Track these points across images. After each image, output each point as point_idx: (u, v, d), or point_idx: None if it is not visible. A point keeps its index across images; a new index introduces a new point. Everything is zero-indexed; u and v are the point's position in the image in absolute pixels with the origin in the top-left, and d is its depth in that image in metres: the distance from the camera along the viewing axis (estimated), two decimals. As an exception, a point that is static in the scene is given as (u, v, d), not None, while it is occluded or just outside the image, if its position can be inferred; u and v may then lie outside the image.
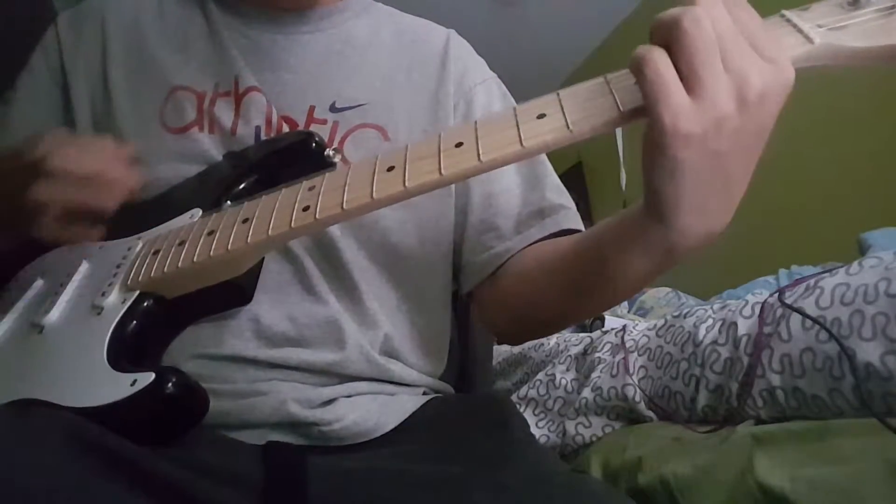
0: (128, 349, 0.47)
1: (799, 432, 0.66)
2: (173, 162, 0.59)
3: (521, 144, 0.39)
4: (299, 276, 0.57)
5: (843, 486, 0.58)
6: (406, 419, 0.57)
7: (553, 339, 1.22)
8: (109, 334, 0.47)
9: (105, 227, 0.55)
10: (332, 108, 0.63)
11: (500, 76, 0.75)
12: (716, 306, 0.92)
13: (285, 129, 0.61)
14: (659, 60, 0.36)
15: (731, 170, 0.38)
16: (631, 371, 0.96)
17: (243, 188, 0.56)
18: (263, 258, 0.54)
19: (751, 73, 0.35)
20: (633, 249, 0.45)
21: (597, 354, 1.05)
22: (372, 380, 0.58)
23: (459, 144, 0.41)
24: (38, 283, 0.56)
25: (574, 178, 3.23)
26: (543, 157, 0.68)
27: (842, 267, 0.77)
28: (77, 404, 0.42)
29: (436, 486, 0.43)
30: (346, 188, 0.44)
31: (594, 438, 0.98)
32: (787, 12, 0.39)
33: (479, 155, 0.40)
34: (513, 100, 0.74)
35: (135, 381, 0.42)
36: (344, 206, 0.43)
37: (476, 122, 0.42)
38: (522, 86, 0.98)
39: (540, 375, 1.13)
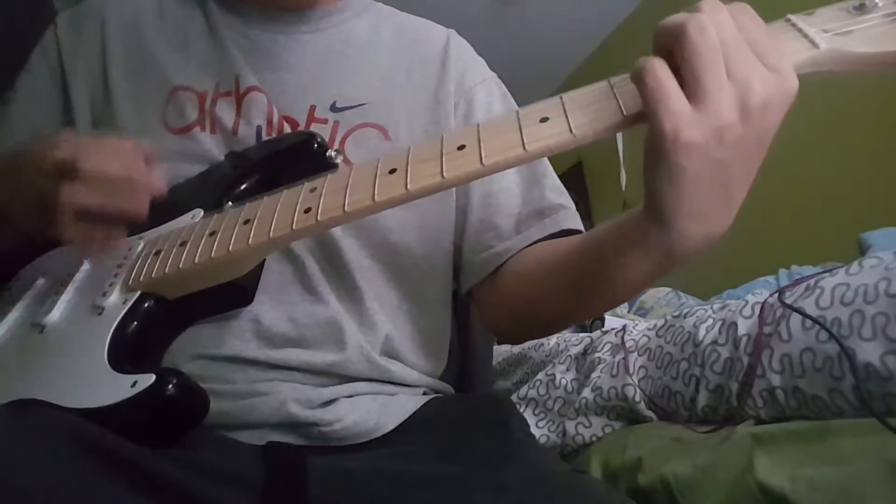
0: (128, 350, 0.47)
1: (799, 432, 0.66)
2: (175, 162, 0.59)
3: (524, 148, 0.39)
4: (300, 277, 0.57)
5: (843, 486, 0.58)
6: (406, 419, 0.57)
7: (553, 339, 1.22)
8: (110, 335, 0.47)
9: (127, 230, 0.53)
10: (333, 108, 0.63)
11: (500, 76, 0.75)
12: (716, 306, 0.92)
13: (286, 128, 0.61)
14: (659, 68, 0.36)
15: (732, 177, 0.38)
16: (631, 371, 0.97)
17: (245, 188, 0.56)
18: (265, 259, 0.54)
19: (754, 82, 0.35)
20: (633, 252, 0.45)
21: (597, 354, 1.05)
22: (372, 380, 0.58)
23: (462, 147, 0.41)
24: (40, 283, 0.56)
25: (574, 178, 3.23)
26: (544, 157, 0.68)
27: (842, 267, 0.77)
28: (77, 405, 0.42)
29: (436, 486, 0.44)
30: (348, 190, 0.44)
31: (594, 438, 0.98)
32: (792, 17, 0.39)
33: (481, 158, 0.40)
34: (513, 100, 0.74)
35: (135, 382, 0.42)
36: (346, 208, 0.43)
37: (478, 125, 0.42)
38: (522, 86, 0.98)
39: (540, 375, 1.13)
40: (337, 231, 0.59)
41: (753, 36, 0.36)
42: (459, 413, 0.60)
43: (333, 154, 0.58)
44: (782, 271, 1.43)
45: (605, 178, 3.04)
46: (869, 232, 1.25)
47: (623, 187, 2.75)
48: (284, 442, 0.52)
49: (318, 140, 0.58)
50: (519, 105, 0.51)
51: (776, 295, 0.81)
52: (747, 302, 0.85)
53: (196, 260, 0.48)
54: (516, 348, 1.31)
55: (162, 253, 0.51)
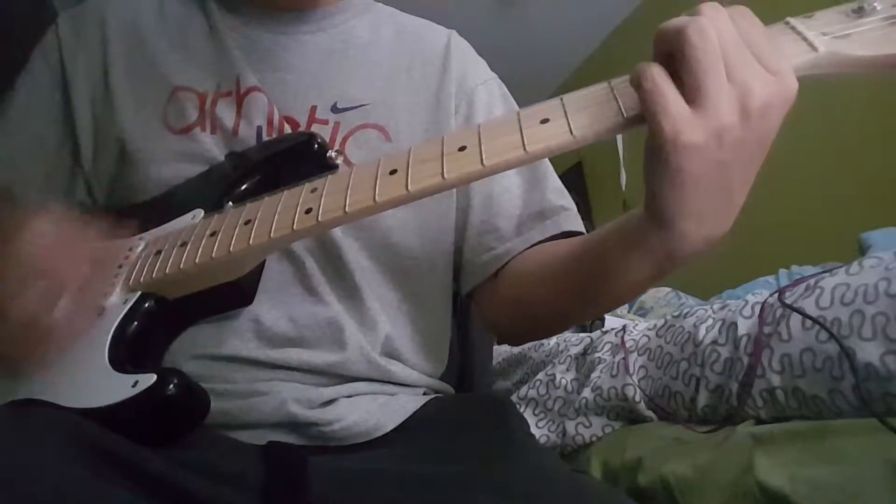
0: (129, 350, 0.47)
1: (799, 432, 0.66)
2: (175, 162, 0.59)
3: (525, 149, 0.39)
4: (300, 277, 0.57)
5: (843, 486, 0.58)
6: (406, 419, 0.57)
7: (553, 340, 1.22)
8: (111, 335, 0.47)
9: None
10: (334, 109, 0.63)
11: (501, 76, 0.75)
12: (716, 306, 0.93)
13: (287, 129, 0.61)
14: (657, 72, 0.36)
15: (732, 179, 0.38)
16: (631, 371, 0.97)
17: (245, 189, 0.56)
18: (265, 259, 0.54)
19: (754, 85, 0.35)
20: (634, 253, 0.45)
21: (597, 354, 1.05)
22: (372, 380, 0.58)
23: (462, 148, 0.41)
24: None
25: (574, 178, 3.23)
26: (544, 158, 0.68)
27: (842, 267, 0.77)
28: (78, 405, 0.42)
29: (436, 486, 0.44)
30: (349, 191, 0.44)
31: (594, 438, 0.99)
32: (791, 20, 0.39)
33: (482, 159, 0.40)
34: (514, 101, 0.74)
35: (136, 382, 0.42)
36: (346, 208, 0.43)
37: (479, 126, 0.42)
38: (523, 86, 0.98)
39: (540, 375, 1.13)
40: (337, 231, 0.59)
41: (753, 39, 0.36)
42: (459, 413, 0.60)
43: (334, 155, 0.58)
44: (782, 271, 1.43)
45: (605, 178, 3.04)
46: (869, 232, 1.25)
47: (623, 187, 2.75)
48: (285, 442, 0.52)
49: (319, 141, 0.58)
50: (520, 105, 0.51)
51: (776, 295, 0.81)
52: (747, 302, 0.86)
53: (197, 260, 0.48)
54: (516, 348, 1.31)
55: (162, 253, 0.51)
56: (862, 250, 1.21)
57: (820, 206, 1.85)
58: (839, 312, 0.71)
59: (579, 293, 0.55)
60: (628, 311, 1.68)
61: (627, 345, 1.01)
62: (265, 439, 0.51)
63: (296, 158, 0.57)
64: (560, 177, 0.69)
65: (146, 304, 0.49)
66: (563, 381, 1.07)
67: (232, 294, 0.52)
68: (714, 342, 0.85)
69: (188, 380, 0.44)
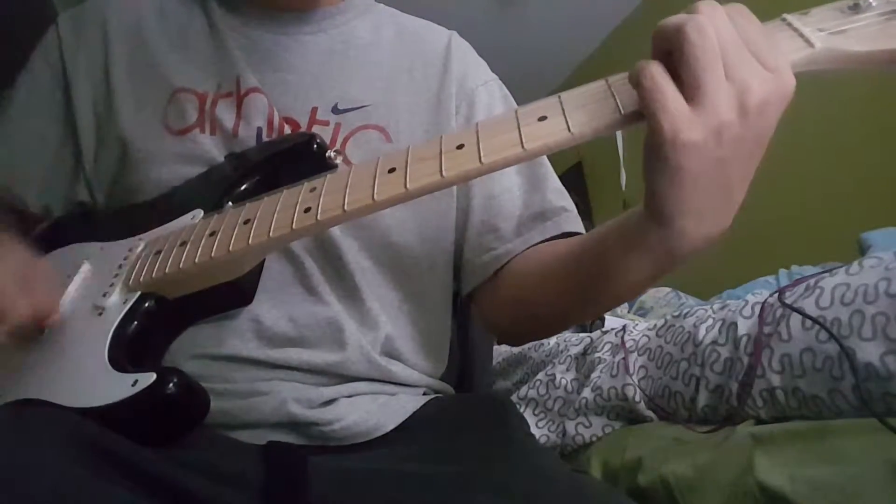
0: (129, 349, 0.47)
1: (799, 432, 0.66)
2: (175, 164, 0.59)
3: (523, 147, 0.39)
4: (300, 277, 0.57)
5: (843, 486, 0.58)
6: (406, 419, 0.57)
7: (553, 340, 1.22)
8: (111, 335, 0.47)
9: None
10: (335, 110, 0.63)
11: (501, 76, 0.75)
12: (716, 306, 0.93)
13: (287, 130, 0.61)
14: (655, 70, 0.36)
15: (731, 176, 0.38)
16: (631, 371, 0.97)
17: (245, 189, 0.56)
18: (264, 259, 0.54)
19: (752, 83, 0.35)
20: (634, 252, 0.45)
21: (597, 354, 1.05)
22: (372, 380, 0.58)
23: (461, 146, 0.41)
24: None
25: (574, 178, 3.23)
26: (544, 158, 0.68)
27: (842, 267, 0.77)
28: (78, 404, 0.42)
29: (436, 485, 0.44)
30: (348, 189, 0.44)
31: (594, 438, 0.99)
32: (787, 16, 0.39)
33: (480, 157, 0.40)
34: (514, 102, 0.74)
35: (136, 381, 0.42)
36: (345, 207, 0.43)
37: (477, 124, 0.42)
38: (523, 86, 0.98)
39: (540, 375, 1.13)
40: (336, 231, 0.59)
41: (751, 36, 0.36)
42: (459, 413, 0.60)
43: (333, 154, 0.58)
44: (782, 271, 1.43)
45: (605, 177, 3.04)
46: (869, 232, 1.25)
47: (623, 187, 2.75)
48: (285, 442, 0.52)
49: (318, 141, 0.58)
50: (519, 106, 0.51)
51: (776, 295, 0.81)
52: (747, 302, 0.86)
53: (196, 260, 0.48)
54: (516, 348, 1.31)
55: (162, 253, 0.51)
56: (862, 250, 1.21)
57: (820, 205, 1.85)
58: (839, 312, 0.71)
59: (579, 293, 0.55)
60: (628, 311, 1.68)
61: (627, 345, 1.01)
62: (265, 439, 0.51)
63: (295, 159, 0.57)
64: (560, 177, 0.69)
65: (146, 304, 0.50)
66: (563, 381, 1.07)
67: (232, 294, 0.53)
68: (714, 342, 0.85)
69: (188, 379, 0.44)
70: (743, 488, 0.65)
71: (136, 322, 0.48)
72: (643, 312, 1.68)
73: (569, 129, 0.38)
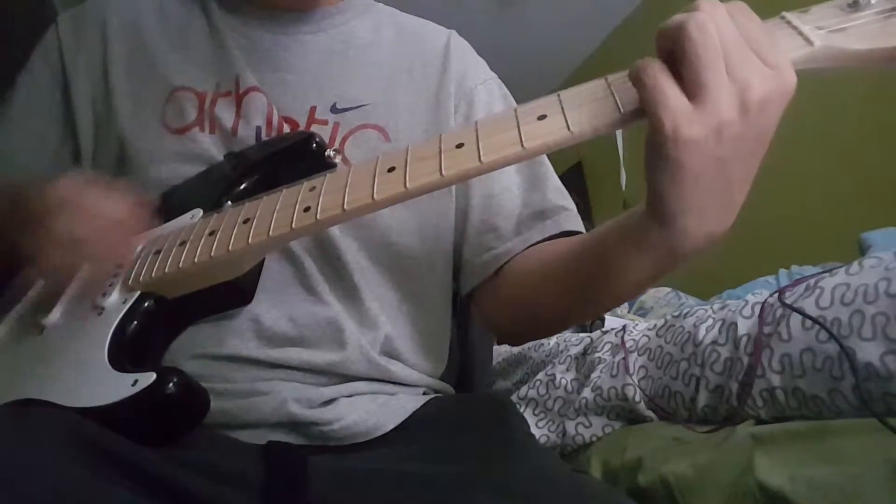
0: (129, 349, 0.47)
1: (799, 432, 0.66)
2: (174, 163, 0.59)
3: (522, 145, 0.39)
4: (300, 277, 0.57)
5: (843, 486, 0.58)
6: (406, 419, 0.57)
7: (553, 339, 1.22)
8: (110, 334, 0.47)
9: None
10: (333, 109, 0.63)
11: (501, 76, 0.75)
12: (716, 306, 0.93)
13: (286, 129, 0.61)
14: (656, 67, 0.36)
15: (733, 174, 0.38)
16: (631, 371, 0.97)
17: (244, 188, 0.56)
18: (264, 259, 0.54)
19: (754, 80, 0.35)
20: (635, 251, 0.45)
21: (597, 354, 1.05)
22: (372, 380, 0.58)
23: (460, 145, 0.41)
24: (40, 283, 0.56)
25: (574, 177, 3.23)
26: (544, 157, 0.68)
27: (842, 267, 0.77)
28: (78, 404, 0.42)
29: (436, 485, 0.44)
30: (347, 189, 0.44)
31: (594, 438, 0.98)
32: (787, 14, 0.39)
33: (479, 156, 0.40)
34: (513, 101, 0.74)
35: (136, 381, 0.42)
36: (345, 206, 0.43)
37: (477, 123, 0.42)
38: (523, 86, 0.98)
39: (540, 375, 1.13)
40: (336, 231, 0.59)
41: (752, 34, 0.36)
42: (459, 413, 0.60)
43: (332, 154, 0.58)
44: (782, 271, 1.43)
45: (605, 177, 3.04)
46: (869, 232, 1.25)
47: (623, 187, 2.75)
48: (285, 441, 0.52)
49: (317, 140, 0.58)
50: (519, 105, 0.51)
51: (776, 295, 0.81)
52: (747, 302, 0.85)
53: (196, 259, 0.48)
54: (516, 348, 1.31)
55: (162, 252, 0.51)
56: (862, 250, 1.21)
57: (820, 205, 1.85)
58: (839, 312, 0.71)
59: (579, 292, 0.55)
60: (628, 311, 1.68)
61: (627, 345, 1.01)
62: (265, 439, 0.51)
63: (294, 158, 0.57)
64: (560, 177, 0.69)
65: (146, 304, 0.50)
66: (563, 381, 1.07)
67: (231, 293, 0.52)
68: (714, 342, 0.85)
69: (188, 379, 0.44)
70: (743, 488, 0.65)
71: (135, 322, 0.48)
72: (643, 312, 1.68)
73: (568, 128, 0.38)
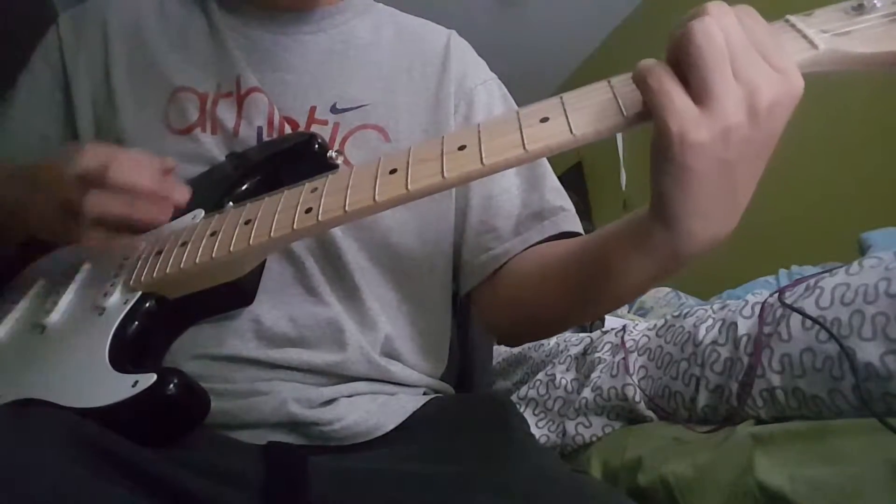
0: (129, 350, 0.47)
1: (799, 432, 0.66)
2: (176, 163, 0.59)
3: (524, 148, 0.39)
4: (300, 277, 0.57)
5: (843, 486, 0.58)
6: (406, 419, 0.57)
7: (553, 340, 1.22)
8: (111, 335, 0.47)
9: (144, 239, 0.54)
10: (333, 109, 0.63)
11: (501, 76, 0.75)
12: (716, 306, 0.93)
13: (287, 129, 0.61)
14: (661, 70, 0.36)
15: (738, 177, 0.38)
16: (631, 371, 0.97)
17: (246, 189, 0.56)
18: (265, 259, 0.54)
19: (761, 84, 0.35)
20: (638, 253, 0.45)
21: (597, 354, 1.05)
22: (372, 380, 0.58)
23: (462, 147, 0.41)
24: (40, 284, 0.56)
25: (574, 178, 3.23)
26: (543, 158, 0.68)
27: (842, 267, 0.77)
28: (78, 405, 0.42)
29: (437, 486, 0.44)
30: (349, 190, 0.44)
31: (594, 438, 0.99)
32: (791, 17, 0.39)
33: (481, 158, 0.40)
34: (513, 101, 0.74)
35: (136, 381, 0.42)
36: (346, 208, 0.43)
37: (479, 126, 0.42)
38: (523, 86, 0.98)
39: (540, 375, 1.13)
40: (337, 232, 0.59)
41: (759, 37, 0.36)
42: (459, 413, 0.60)
43: (334, 155, 0.58)
44: (782, 271, 1.43)
45: (605, 178, 3.04)
46: (869, 232, 1.25)
47: (623, 187, 2.75)
48: (285, 441, 0.52)
49: (319, 141, 0.58)
50: (519, 106, 0.51)
51: (776, 295, 0.81)
52: (747, 302, 0.86)
53: (197, 260, 0.48)
54: (516, 348, 1.31)
55: (163, 253, 0.51)
56: (862, 250, 1.21)
57: (820, 205, 1.85)
58: (839, 312, 0.71)
59: (579, 293, 0.55)
60: (628, 311, 1.68)
61: (627, 345, 1.01)
62: (265, 439, 0.51)
63: (296, 158, 0.57)
64: (560, 177, 0.69)
65: (147, 304, 0.49)
66: (563, 381, 1.07)
67: (232, 294, 0.52)
68: (714, 342, 0.85)
69: (188, 379, 0.44)
70: (743, 488, 0.65)
71: (136, 322, 0.48)
72: (643, 312, 1.68)
73: (571, 131, 0.38)
